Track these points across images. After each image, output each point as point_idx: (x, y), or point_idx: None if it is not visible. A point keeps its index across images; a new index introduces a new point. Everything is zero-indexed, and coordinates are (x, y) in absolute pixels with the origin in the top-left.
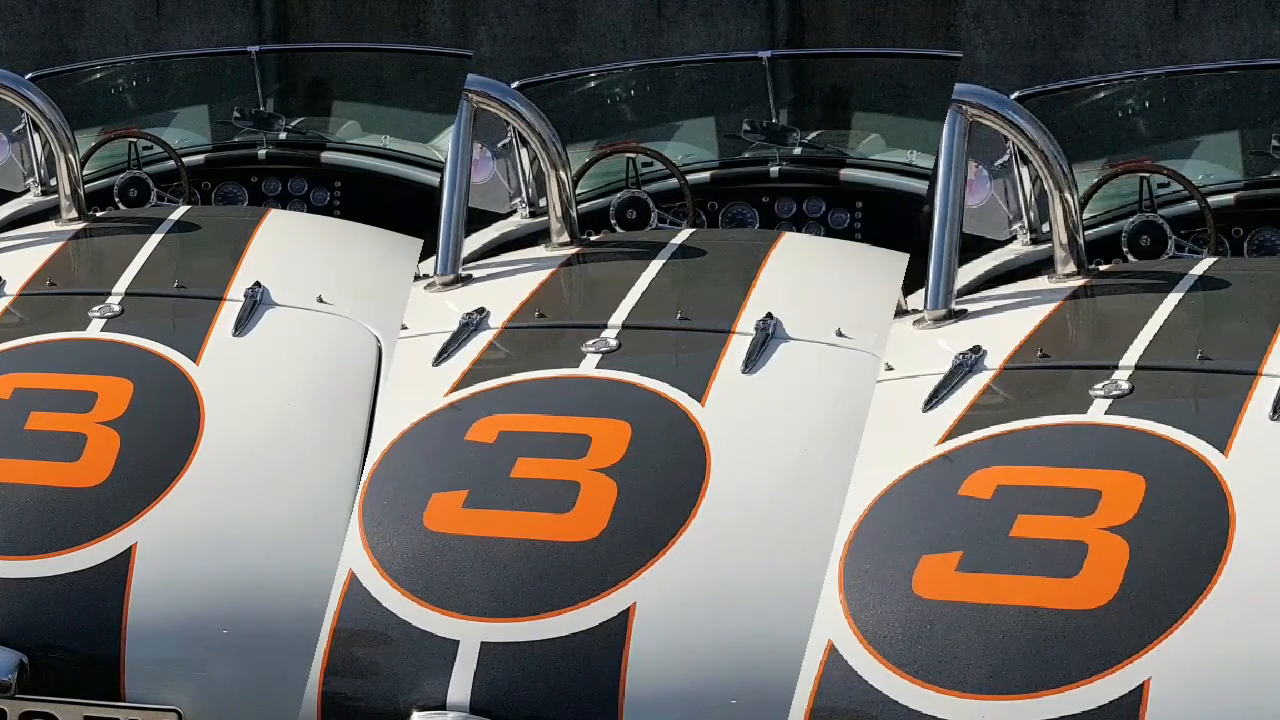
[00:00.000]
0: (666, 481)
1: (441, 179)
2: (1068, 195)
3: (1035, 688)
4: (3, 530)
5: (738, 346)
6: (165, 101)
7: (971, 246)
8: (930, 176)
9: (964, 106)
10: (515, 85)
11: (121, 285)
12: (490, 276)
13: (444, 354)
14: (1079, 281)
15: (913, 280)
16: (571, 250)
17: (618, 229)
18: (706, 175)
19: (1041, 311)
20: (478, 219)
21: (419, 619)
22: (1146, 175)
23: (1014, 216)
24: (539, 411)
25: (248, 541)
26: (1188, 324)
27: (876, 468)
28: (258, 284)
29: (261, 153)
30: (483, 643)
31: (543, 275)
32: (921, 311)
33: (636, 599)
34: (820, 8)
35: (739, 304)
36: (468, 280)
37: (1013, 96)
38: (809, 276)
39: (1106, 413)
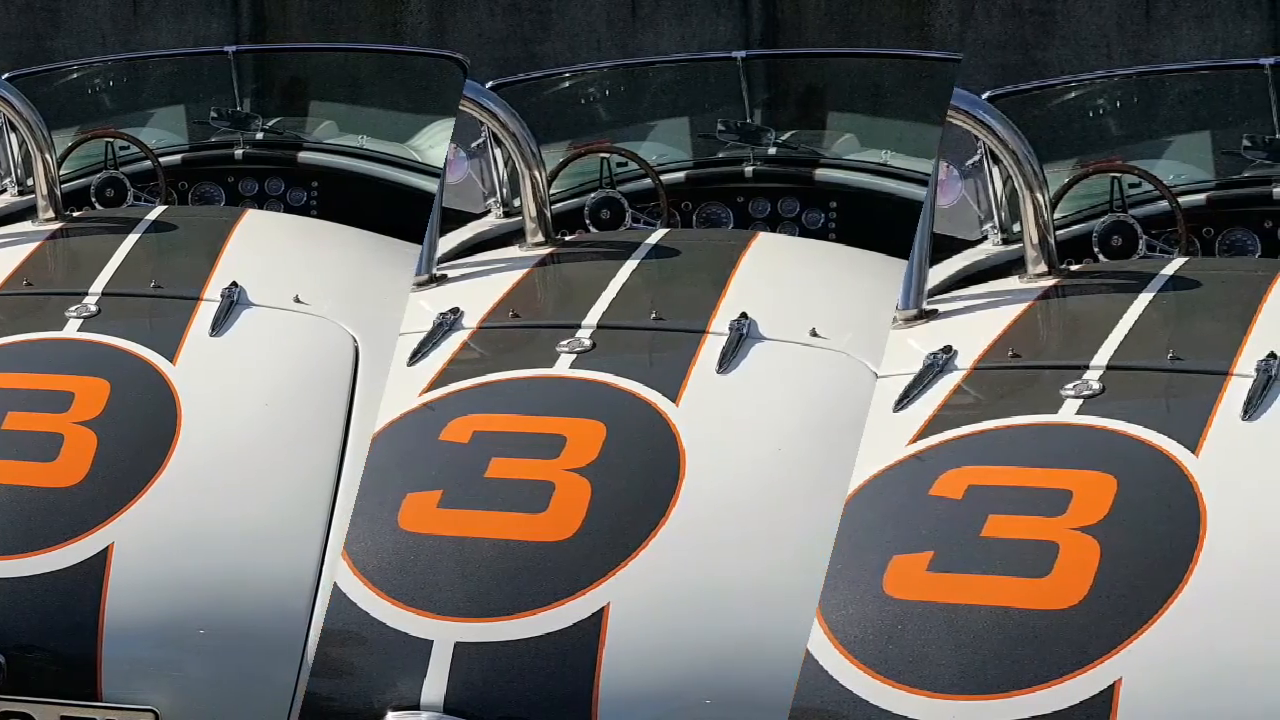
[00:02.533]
0: (641, 481)
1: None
2: (1039, 195)
3: (1006, 688)
4: None
5: (712, 346)
6: (142, 101)
7: (942, 246)
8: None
9: None
10: (490, 85)
11: (98, 285)
12: (464, 276)
13: (418, 354)
14: (1050, 281)
15: None
16: (546, 250)
17: (592, 229)
18: (681, 175)
19: (1012, 311)
20: (452, 219)
21: (393, 619)
22: (1118, 175)
23: (985, 216)
24: (513, 411)
25: (224, 541)
26: (1159, 324)
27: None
28: (235, 284)
29: (238, 153)
30: (457, 643)
31: (517, 275)
32: (893, 311)
33: (611, 599)
34: (794, 7)
35: (713, 304)
36: (442, 280)
37: (984, 96)
38: (783, 276)
39: (1077, 413)
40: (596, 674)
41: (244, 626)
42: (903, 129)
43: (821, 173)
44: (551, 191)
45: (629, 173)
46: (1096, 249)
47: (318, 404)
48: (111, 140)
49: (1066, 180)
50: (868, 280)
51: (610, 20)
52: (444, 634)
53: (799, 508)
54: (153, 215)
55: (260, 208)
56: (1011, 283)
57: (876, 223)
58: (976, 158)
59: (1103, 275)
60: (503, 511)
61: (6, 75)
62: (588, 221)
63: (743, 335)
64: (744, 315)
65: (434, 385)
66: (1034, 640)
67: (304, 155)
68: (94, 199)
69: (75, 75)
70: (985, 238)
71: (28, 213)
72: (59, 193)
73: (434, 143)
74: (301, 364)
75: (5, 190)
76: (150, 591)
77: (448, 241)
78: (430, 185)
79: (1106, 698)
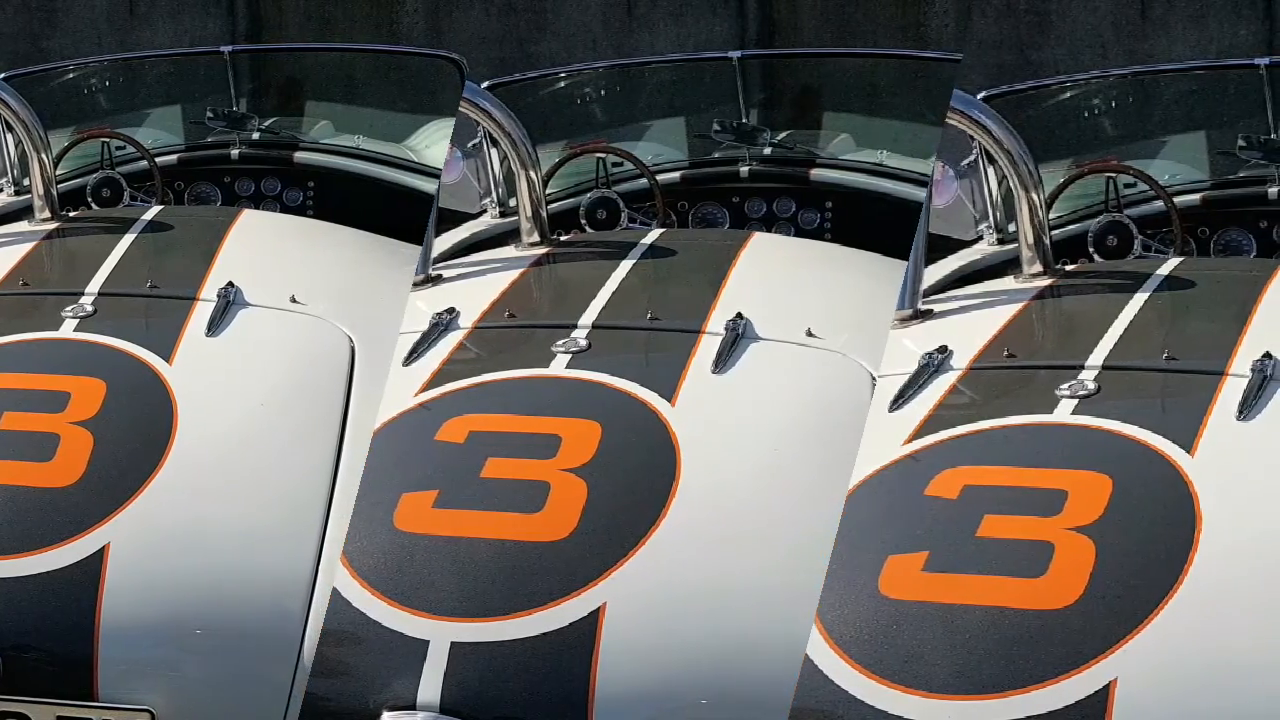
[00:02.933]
0: (636, 481)
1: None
2: (1034, 195)
3: (1002, 688)
4: None
5: (708, 346)
6: (138, 101)
7: (938, 246)
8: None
9: None
10: (485, 85)
11: (94, 285)
12: (460, 276)
13: (414, 354)
14: (1045, 281)
15: None
16: (541, 250)
17: (588, 229)
18: (677, 175)
19: (1008, 311)
20: (448, 219)
21: (389, 619)
22: (1113, 175)
23: (980, 216)
24: (509, 411)
25: (221, 541)
26: (1154, 324)
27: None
28: (231, 284)
29: (234, 153)
30: (453, 643)
31: (513, 275)
32: (889, 311)
33: (606, 599)
34: (790, 7)
35: (709, 304)
36: (438, 280)
37: (979, 96)
38: (779, 276)
39: (1073, 413)
40: (592, 674)
41: (240, 626)
42: (899, 129)
43: (817, 173)
44: (547, 191)
45: (625, 173)
46: (1092, 249)
47: (314, 404)
48: (107, 140)
49: (1062, 180)
50: (863, 280)
51: (606, 20)
52: (440, 634)
53: (794, 507)
54: (149, 215)
55: (256, 208)
56: (1007, 283)
57: (872, 223)
58: (972, 158)
59: (1098, 275)
60: (498, 511)
61: (3, 75)
62: (583, 221)
63: (738, 335)
64: (739, 315)
65: (430, 385)
66: (1029, 640)
67: (300, 155)
68: (90, 199)
69: (71, 75)
70: (980, 238)
71: (24, 213)
72: (55, 193)
73: (430, 143)
74: (297, 364)
75: (1, 190)
76: (146, 591)
77: (443, 241)
78: (426, 185)
79: (1102, 698)
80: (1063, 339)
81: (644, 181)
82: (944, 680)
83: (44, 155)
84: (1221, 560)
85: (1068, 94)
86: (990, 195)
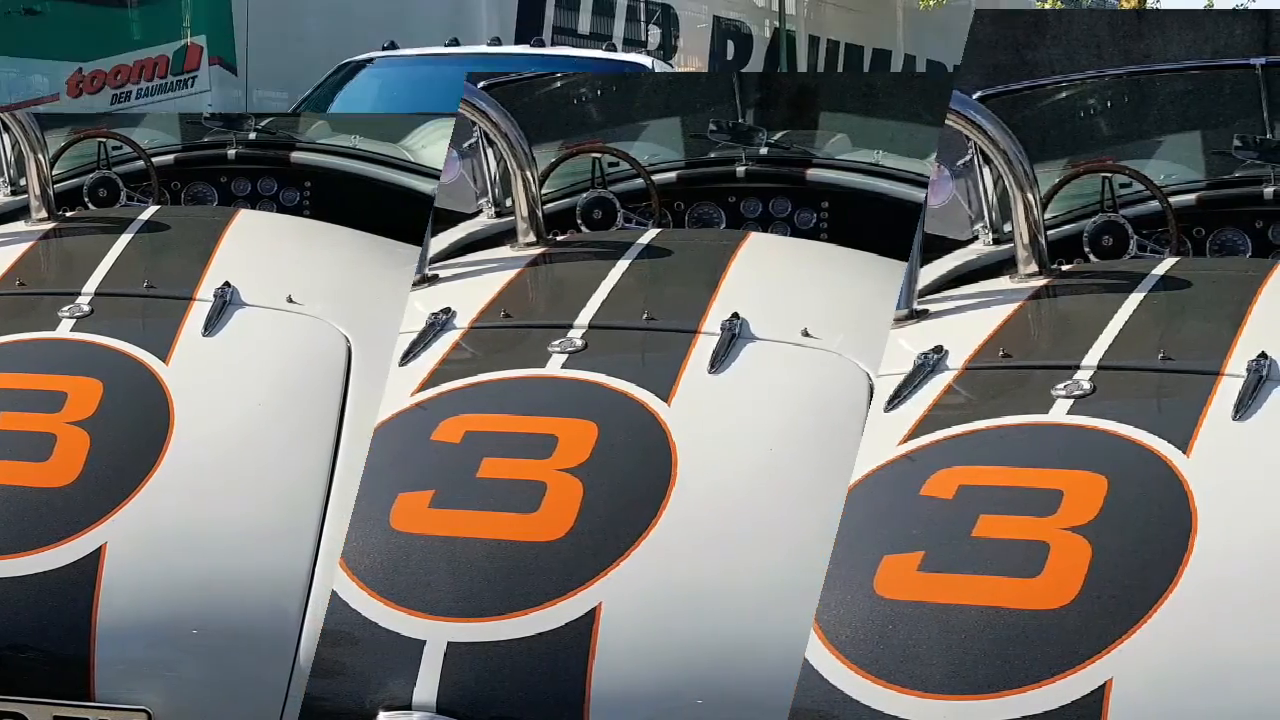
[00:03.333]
0: (633, 481)
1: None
2: (1029, 195)
3: (997, 688)
4: None
5: (704, 347)
6: None
7: (934, 246)
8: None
9: None
10: (482, 85)
11: (91, 285)
12: (456, 276)
13: (410, 354)
14: (1041, 281)
15: None
16: (537, 250)
17: (584, 229)
18: (673, 175)
19: (1003, 311)
20: (444, 219)
21: (385, 619)
22: (1108, 175)
23: (976, 216)
24: (505, 411)
25: (218, 541)
26: (1150, 324)
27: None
28: (227, 284)
29: (231, 153)
30: (449, 643)
31: (509, 275)
32: (885, 311)
33: (603, 599)
34: None
35: (705, 304)
36: (434, 280)
37: (974, 96)
38: (775, 276)
39: (1068, 413)
40: (588, 674)
41: (237, 627)
42: (895, 129)
43: (814, 173)
44: (543, 191)
45: (621, 173)
46: (1087, 249)
47: (310, 404)
48: (104, 140)
49: (1057, 180)
50: (860, 280)
51: None
52: (436, 634)
53: (791, 507)
54: (145, 215)
55: (253, 208)
56: (1002, 283)
57: (868, 223)
58: (968, 158)
59: (1093, 275)
60: (495, 511)
61: None
62: (579, 221)
63: (734, 335)
64: (736, 315)
65: (426, 385)
66: (1025, 640)
67: (297, 155)
68: (87, 199)
69: None
70: (976, 238)
71: (20, 213)
72: (51, 193)
73: (427, 143)
74: (294, 364)
75: None
76: (143, 591)
77: (440, 241)
78: (423, 185)
79: (1097, 698)
80: (1058, 339)
81: (640, 181)
82: (940, 680)
83: (41, 155)
84: (1217, 560)
85: (1063, 94)
86: (986, 195)
